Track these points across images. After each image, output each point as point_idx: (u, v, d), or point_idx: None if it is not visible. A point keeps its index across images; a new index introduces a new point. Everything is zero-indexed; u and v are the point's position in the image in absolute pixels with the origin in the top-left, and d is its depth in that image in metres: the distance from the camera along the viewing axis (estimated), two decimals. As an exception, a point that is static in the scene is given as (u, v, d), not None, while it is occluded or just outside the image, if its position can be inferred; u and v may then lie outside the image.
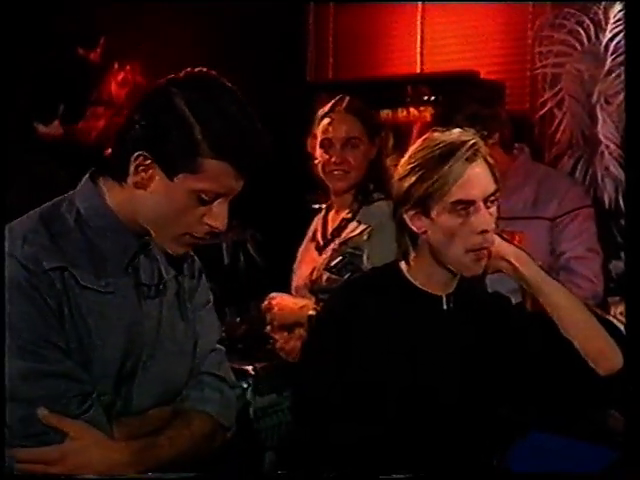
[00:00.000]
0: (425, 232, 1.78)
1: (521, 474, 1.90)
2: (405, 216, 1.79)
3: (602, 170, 3.69)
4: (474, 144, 1.74)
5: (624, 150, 3.42)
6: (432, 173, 1.73)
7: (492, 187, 1.75)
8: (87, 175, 1.53)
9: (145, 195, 1.45)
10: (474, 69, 4.10)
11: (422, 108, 4.17)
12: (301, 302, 2.62)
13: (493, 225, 1.76)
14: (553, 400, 1.90)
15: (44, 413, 1.40)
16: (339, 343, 1.78)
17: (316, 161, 2.68)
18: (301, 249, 2.77)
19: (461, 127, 1.81)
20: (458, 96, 3.08)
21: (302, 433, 1.83)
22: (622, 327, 1.82)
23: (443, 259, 1.78)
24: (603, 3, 3.67)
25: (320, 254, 2.64)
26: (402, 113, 4.24)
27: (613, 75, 3.61)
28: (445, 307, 1.82)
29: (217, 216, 1.47)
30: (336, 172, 2.62)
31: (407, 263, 1.84)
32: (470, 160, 1.73)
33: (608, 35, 3.65)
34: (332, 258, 2.58)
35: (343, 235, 2.60)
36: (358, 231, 2.56)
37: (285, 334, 2.66)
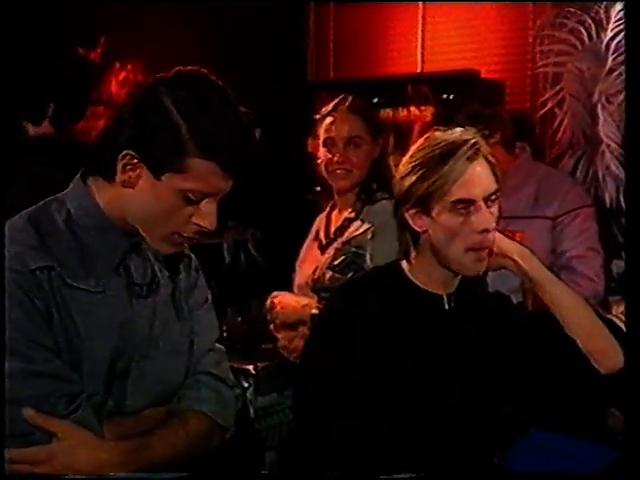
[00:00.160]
0: (426, 231, 1.78)
1: (521, 474, 1.90)
2: (406, 215, 1.79)
3: (603, 169, 3.69)
4: (475, 143, 1.74)
5: (625, 149, 3.42)
6: (433, 172, 1.73)
7: (493, 186, 1.75)
8: (78, 175, 1.53)
9: (133, 194, 1.45)
10: (475, 68, 4.10)
11: (423, 107, 4.17)
12: (303, 301, 2.62)
13: (494, 224, 1.76)
14: (554, 399, 1.90)
15: (30, 413, 1.40)
16: (341, 341, 1.78)
17: (319, 160, 2.68)
18: (304, 248, 2.78)
19: (463, 126, 1.81)
20: (460, 95, 3.08)
21: (303, 432, 1.83)
22: (623, 326, 1.82)
23: (443, 258, 1.78)
24: (604, 2, 3.67)
25: (323, 253, 2.64)
26: (403, 112, 4.24)
27: (614, 74, 3.61)
28: (446, 307, 1.82)
29: (205, 216, 1.46)
30: (339, 171, 2.62)
31: (408, 262, 1.84)
32: (471, 159, 1.73)
33: (609, 34, 3.65)
34: (335, 257, 2.58)
35: (346, 234, 2.60)
36: (361, 230, 2.56)
37: (287, 333, 2.66)
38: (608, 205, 3.62)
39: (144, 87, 1.45)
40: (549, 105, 3.86)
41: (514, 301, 1.96)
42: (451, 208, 1.73)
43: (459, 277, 1.82)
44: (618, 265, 3.31)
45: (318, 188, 2.84)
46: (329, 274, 2.57)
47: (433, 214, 1.75)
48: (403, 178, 1.78)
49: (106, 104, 2.86)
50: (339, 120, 2.63)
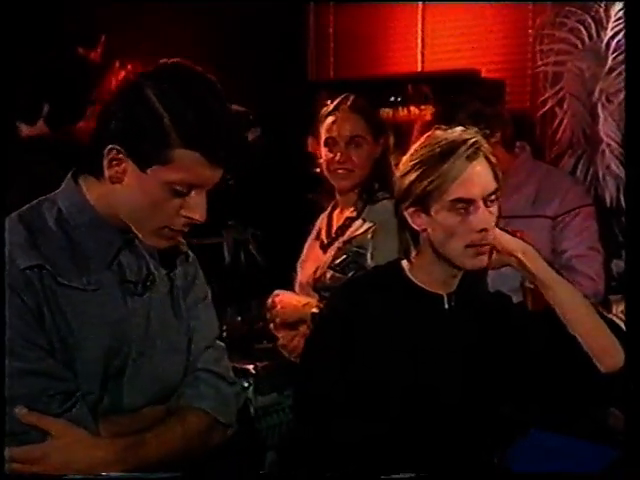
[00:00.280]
0: (425, 230, 1.78)
1: (521, 474, 1.90)
2: (405, 213, 1.79)
3: (603, 169, 3.69)
4: (475, 142, 1.74)
5: (625, 148, 3.42)
6: (432, 171, 1.73)
7: (492, 186, 1.75)
8: (69, 174, 1.53)
9: (121, 189, 1.45)
10: (475, 68, 4.10)
11: (423, 107, 4.17)
12: (304, 300, 2.62)
13: (493, 224, 1.76)
14: (554, 398, 1.89)
15: (23, 412, 1.40)
16: (341, 341, 1.78)
17: (320, 160, 2.68)
18: (306, 247, 2.78)
19: (463, 125, 1.81)
20: (460, 95, 3.08)
21: (303, 432, 1.82)
22: (623, 325, 1.82)
23: (443, 254, 1.77)
24: (604, 1, 3.67)
25: (324, 252, 2.64)
26: (403, 112, 4.24)
27: (614, 73, 3.61)
28: (446, 306, 1.82)
29: (194, 207, 1.45)
30: (340, 171, 2.62)
31: (409, 261, 1.84)
32: (470, 158, 1.73)
33: (609, 33, 3.65)
34: (336, 256, 2.58)
35: (347, 234, 2.60)
36: (362, 230, 2.56)
37: (287, 332, 2.66)
38: (608, 204, 3.62)
39: (127, 81, 1.45)
40: (549, 104, 3.86)
41: (514, 301, 1.96)
42: (450, 207, 1.73)
43: (459, 276, 1.82)
44: (618, 264, 3.31)
45: (318, 190, 2.84)
46: (330, 273, 2.57)
47: (432, 213, 1.75)
48: (403, 176, 1.78)
49: (106, 103, 2.85)
50: (341, 119, 2.63)
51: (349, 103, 2.64)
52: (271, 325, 2.72)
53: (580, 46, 3.75)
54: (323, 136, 2.66)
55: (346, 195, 2.65)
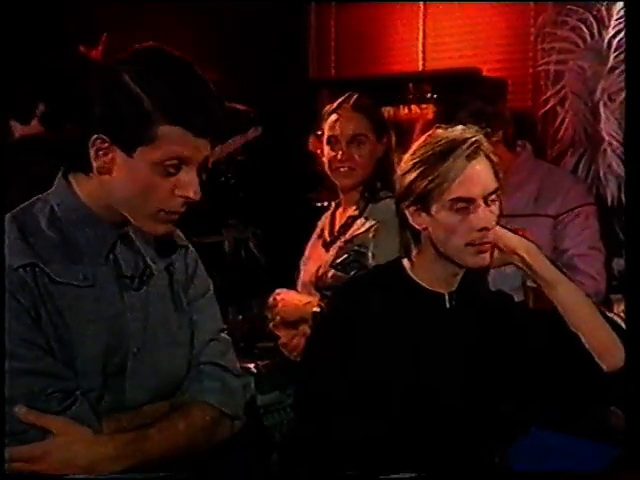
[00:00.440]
0: (426, 229, 1.78)
1: (522, 473, 1.90)
2: (406, 212, 1.79)
3: (605, 167, 3.69)
4: (475, 141, 1.74)
5: (624, 147, 3.42)
6: (432, 170, 1.73)
7: (493, 185, 1.75)
8: (60, 174, 1.53)
9: (111, 180, 1.45)
10: (476, 66, 4.10)
11: (424, 106, 4.17)
12: (306, 299, 2.61)
13: (494, 223, 1.75)
14: (556, 397, 1.89)
15: (22, 411, 1.39)
16: (343, 340, 1.77)
17: (323, 158, 2.68)
18: (309, 246, 2.78)
19: (464, 124, 1.81)
20: (461, 93, 3.08)
21: (305, 430, 1.82)
22: (624, 324, 1.81)
23: (444, 252, 1.77)
24: (605, 0, 3.67)
25: (327, 251, 2.64)
26: (404, 111, 4.24)
27: (616, 72, 3.60)
28: (448, 305, 1.82)
29: (187, 185, 1.45)
30: (342, 169, 2.62)
31: (409, 260, 1.84)
32: (471, 158, 1.73)
33: (611, 32, 3.65)
34: (338, 255, 2.58)
35: (349, 232, 2.60)
36: (364, 229, 2.56)
37: (289, 331, 2.66)
38: (610, 203, 3.62)
39: (103, 70, 1.46)
40: (551, 103, 3.86)
41: (516, 300, 1.95)
42: (450, 206, 1.73)
43: (460, 275, 1.82)
44: (619, 263, 3.31)
45: (319, 187, 2.84)
46: (332, 272, 2.57)
47: (432, 212, 1.75)
48: (404, 175, 1.78)
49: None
50: (343, 118, 2.63)
51: (352, 102, 2.64)
52: (271, 324, 2.72)
53: (582, 45, 3.74)
54: (326, 134, 2.66)
55: (348, 194, 2.65)
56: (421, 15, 4.44)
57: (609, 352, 1.78)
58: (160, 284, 1.57)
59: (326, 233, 2.70)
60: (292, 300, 2.66)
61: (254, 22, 4.25)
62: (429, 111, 4.06)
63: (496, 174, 1.76)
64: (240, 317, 3.19)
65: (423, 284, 1.82)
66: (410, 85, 4.25)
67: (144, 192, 1.44)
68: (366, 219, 2.57)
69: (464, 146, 1.73)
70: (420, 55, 4.46)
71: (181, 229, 1.65)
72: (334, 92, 3.44)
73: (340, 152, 2.61)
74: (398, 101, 4.24)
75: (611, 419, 2.14)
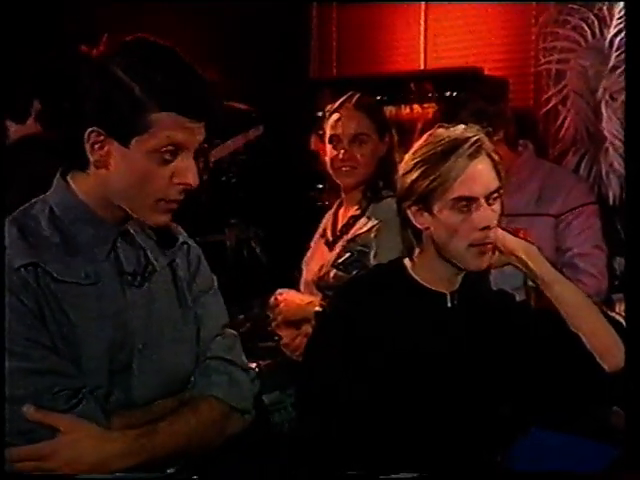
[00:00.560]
0: (427, 228, 1.77)
1: (522, 473, 1.89)
2: (408, 212, 1.79)
3: (607, 167, 3.68)
4: (477, 140, 1.74)
5: (625, 145, 3.42)
6: (434, 169, 1.72)
7: (495, 184, 1.75)
8: (58, 174, 1.53)
9: (108, 174, 1.45)
10: (478, 66, 4.09)
11: (425, 105, 4.17)
12: (308, 298, 2.61)
13: (495, 222, 1.75)
14: (557, 397, 1.89)
15: (30, 410, 1.39)
16: (344, 339, 1.77)
17: (325, 157, 2.68)
18: (312, 245, 2.78)
19: (466, 124, 1.81)
20: (463, 93, 3.08)
21: (306, 430, 1.82)
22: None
23: (446, 254, 1.77)
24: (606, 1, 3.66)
25: (329, 250, 2.64)
26: (405, 110, 4.24)
27: (618, 71, 3.60)
28: (449, 304, 1.82)
29: (185, 171, 1.45)
30: (344, 168, 2.62)
31: (411, 260, 1.83)
32: (472, 157, 1.73)
33: (612, 31, 3.64)
34: (340, 255, 2.58)
35: (351, 232, 2.59)
36: (366, 228, 2.56)
37: (291, 331, 2.66)
38: (612, 202, 3.61)
39: (92, 65, 1.46)
40: (552, 102, 3.85)
41: (517, 299, 1.95)
42: (452, 205, 1.72)
43: (462, 275, 1.82)
44: (621, 263, 3.30)
45: (320, 186, 2.84)
46: (334, 272, 2.57)
47: (434, 211, 1.75)
48: (405, 175, 1.78)
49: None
50: (345, 117, 2.62)
51: (354, 101, 2.64)
52: (273, 324, 2.72)
53: (583, 44, 3.73)
54: (328, 133, 2.66)
55: (351, 193, 2.65)
56: (422, 14, 4.44)
57: (610, 352, 1.78)
58: (163, 281, 1.57)
59: (328, 232, 2.70)
60: (294, 300, 2.66)
61: (254, 22, 4.25)
62: (431, 110, 4.05)
63: (498, 173, 1.76)
64: (241, 317, 3.18)
65: (424, 284, 1.82)
66: (411, 84, 4.25)
67: (142, 182, 1.44)
68: (368, 219, 2.57)
69: (466, 145, 1.72)
70: (421, 54, 4.45)
71: (182, 228, 1.65)
72: (335, 91, 3.44)
73: (342, 151, 2.60)
74: (399, 100, 4.24)
75: (612, 419, 2.14)
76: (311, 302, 2.57)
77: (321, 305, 2.51)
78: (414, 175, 1.75)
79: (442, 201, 1.73)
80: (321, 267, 2.62)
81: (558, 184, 2.97)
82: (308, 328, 2.55)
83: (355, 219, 2.61)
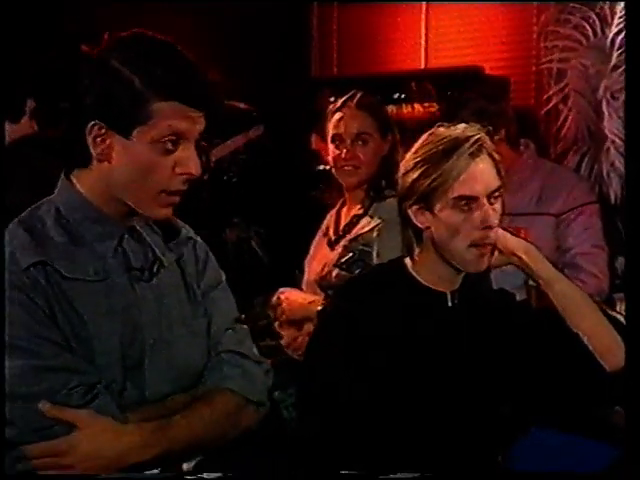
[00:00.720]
0: (428, 228, 1.77)
1: (522, 473, 1.89)
2: (409, 211, 1.78)
3: (608, 166, 3.68)
4: (478, 139, 1.74)
5: (625, 144, 3.41)
6: (435, 168, 1.72)
7: (496, 183, 1.74)
8: (62, 175, 1.54)
9: (111, 167, 1.46)
10: (479, 65, 4.09)
11: (426, 104, 4.17)
12: (310, 297, 2.61)
13: (497, 221, 1.75)
14: (557, 397, 1.89)
15: (46, 407, 1.40)
16: (346, 339, 1.77)
17: (327, 157, 2.68)
18: (313, 244, 2.78)
19: (467, 123, 1.80)
20: (464, 92, 3.08)
21: (306, 429, 1.82)
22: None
23: (446, 254, 1.77)
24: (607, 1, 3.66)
25: (332, 250, 2.64)
26: (406, 109, 4.24)
27: (619, 70, 3.60)
28: (450, 304, 1.82)
29: (187, 161, 1.46)
30: (346, 167, 2.62)
31: (412, 259, 1.83)
32: (474, 156, 1.72)
33: (614, 30, 3.64)
34: (342, 254, 2.58)
35: (354, 231, 2.59)
36: (368, 228, 2.56)
37: (293, 330, 2.66)
38: (613, 202, 3.62)
39: (91, 60, 1.47)
40: (554, 101, 3.85)
41: (518, 299, 1.95)
42: (453, 204, 1.72)
43: (463, 274, 1.82)
44: (622, 262, 3.30)
45: (321, 185, 2.83)
46: (336, 271, 2.57)
47: (435, 210, 1.74)
48: (406, 174, 1.78)
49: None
50: (347, 116, 2.62)
51: (356, 100, 2.63)
52: (276, 323, 2.72)
53: (585, 43, 3.74)
54: (330, 133, 2.66)
55: (353, 192, 2.65)
56: (423, 14, 4.44)
57: (611, 352, 1.78)
58: (172, 277, 1.58)
59: (331, 232, 2.70)
60: (297, 299, 2.66)
61: (255, 22, 4.25)
62: (432, 109, 4.05)
63: (499, 172, 1.76)
64: (242, 316, 3.18)
65: (425, 283, 1.82)
66: (412, 84, 4.25)
67: (145, 173, 1.45)
68: (371, 218, 2.57)
69: (467, 144, 1.72)
70: (422, 53, 4.46)
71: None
72: (336, 91, 3.44)
73: (345, 150, 2.60)
74: (400, 100, 4.24)
75: (613, 419, 2.14)
76: (314, 301, 2.57)
77: (323, 304, 2.51)
78: (415, 174, 1.75)
79: (443, 200, 1.73)
80: (323, 266, 2.62)
81: (559, 183, 2.97)
82: (310, 327, 2.55)
83: (358, 218, 2.61)
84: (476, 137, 1.74)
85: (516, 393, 1.85)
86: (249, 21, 4.26)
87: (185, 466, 1.53)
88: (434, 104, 4.06)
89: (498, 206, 1.76)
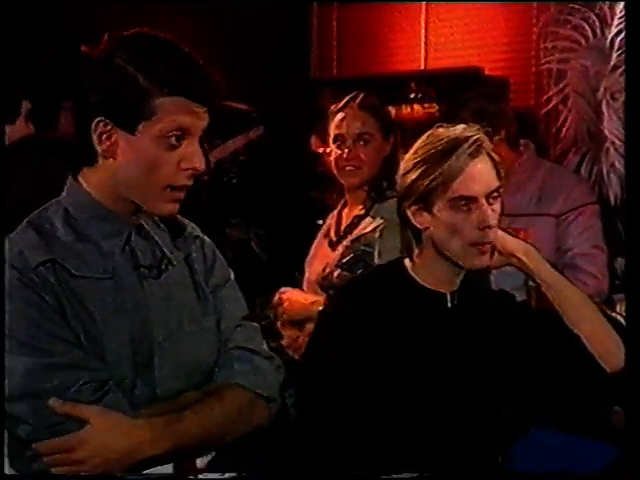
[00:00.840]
0: (427, 228, 1.77)
1: (522, 473, 1.89)
2: (407, 212, 1.78)
3: (608, 166, 3.68)
4: (477, 140, 1.74)
5: (625, 145, 3.42)
6: (434, 168, 1.72)
7: (495, 183, 1.74)
8: (70, 176, 1.55)
9: (116, 164, 1.48)
10: (478, 65, 4.09)
11: (426, 105, 4.17)
12: (312, 297, 2.61)
13: (496, 221, 1.75)
14: (557, 397, 1.89)
15: (57, 403, 1.41)
16: (348, 339, 1.77)
17: (329, 157, 2.68)
18: (314, 245, 2.77)
19: (467, 123, 1.80)
20: (464, 92, 3.08)
21: (306, 430, 1.82)
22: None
23: (447, 253, 1.77)
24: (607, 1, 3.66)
25: (333, 250, 2.64)
26: (406, 110, 4.24)
27: (618, 71, 3.60)
28: (449, 305, 1.82)
29: (192, 156, 1.48)
30: (348, 168, 2.61)
31: (411, 260, 1.83)
32: (473, 156, 1.72)
33: (614, 30, 3.64)
34: (344, 255, 2.58)
35: (355, 232, 2.59)
36: (370, 228, 2.55)
37: (294, 330, 2.65)
38: (612, 202, 3.62)
39: (95, 59, 1.49)
40: (553, 102, 3.85)
41: (518, 299, 1.95)
42: (452, 205, 1.72)
43: (462, 275, 1.82)
44: (622, 263, 3.30)
45: (322, 186, 2.83)
46: (337, 272, 2.57)
47: (434, 211, 1.74)
48: (405, 174, 1.78)
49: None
50: (350, 117, 2.62)
51: (358, 101, 2.64)
52: (278, 323, 2.71)
53: (584, 43, 3.74)
54: (332, 133, 2.66)
55: (355, 193, 2.65)
56: (423, 14, 4.44)
57: (610, 352, 1.78)
58: (180, 275, 1.59)
59: (332, 232, 2.70)
60: (298, 299, 2.66)
61: (254, 22, 4.25)
62: (431, 110, 4.05)
63: (498, 172, 1.76)
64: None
65: (424, 284, 1.82)
66: (412, 84, 4.25)
67: (150, 169, 1.46)
68: (373, 218, 2.57)
69: (466, 145, 1.72)
70: (422, 54, 4.46)
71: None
72: (336, 92, 3.44)
73: (346, 150, 2.60)
74: (400, 100, 4.24)
75: (612, 419, 2.14)
76: (315, 301, 2.57)
77: (325, 305, 2.50)
78: (414, 175, 1.75)
79: (442, 201, 1.73)
80: (325, 267, 2.62)
81: (559, 184, 2.96)
82: (311, 328, 2.54)
83: (359, 219, 2.61)
84: (475, 137, 1.74)
85: (516, 394, 1.85)
86: (249, 21, 4.26)
87: (199, 462, 1.55)
88: (434, 105, 4.07)
89: (497, 206, 1.76)
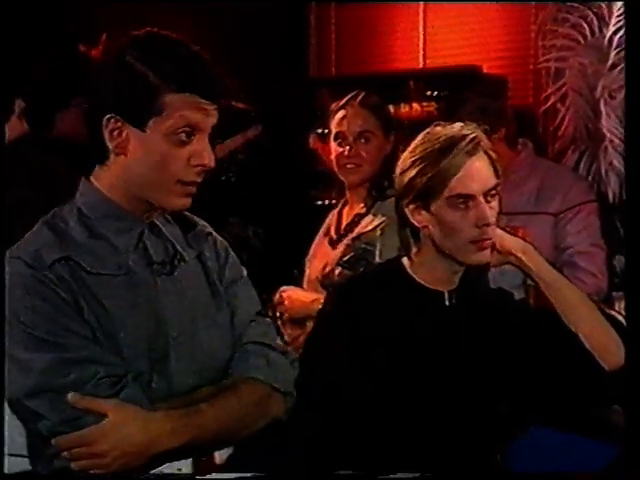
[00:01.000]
0: (426, 226, 1.77)
1: (522, 473, 1.90)
2: (406, 210, 1.78)
3: (606, 165, 3.69)
4: (474, 138, 1.74)
5: (625, 144, 3.42)
6: (432, 167, 1.72)
7: (492, 181, 1.75)
8: (82, 177, 1.57)
9: (127, 161, 1.50)
10: (477, 64, 4.10)
11: (424, 103, 4.17)
12: (312, 296, 2.61)
13: (494, 219, 1.75)
14: (556, 396, 1.89)
15: (75, 398, 1.43)
16: (350, 337, 1.77)
17: (330, 156, 2.69)
18: (315, 243, 2.77)
19: (465, 122, 1.80)
20: (463, 91, 3.08)
21: (306, 428, 1.82)
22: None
23: (445, 250, 1.77)
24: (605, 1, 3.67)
25: (333, 248, 2.64)
26: (404, 108, 4.24)
27: (617, 69, 3.60)
28: (447, 303, 1.82)
29: (201, 153, 1.50)
30: (349, 166, 2.62)
31: (409, 258, 1.83)
32: (470, 154, 1.73)
33: (611, 29, 3.65)
34: (345, 253, 2.58)
35: (356, 230, 2.59)
36: (371, 227, 2.56)
37: (295, 329, 2.65)
38: (611, 200, 3.62)
39: (106, 58, 1.53)
40: (552, 100, 3.85)
41: (516, 298, 1.95)
42: (450, 203, 1.72)
43: (460, 273, 1.82)
44: (621, 261, 3.30)
45: (320, 185, 2.84)
46: (338, 270, 2.57)
47: (432, 209, 1.75)
48: (403, 173, 1.78)
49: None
50: (350, 115, 2.63)
51: (359, 99, 2.64)
52: (278, 322, 2.71)
53: (582, 42, 3.74)
54: (333, 131, 2.66)
55: (356, 191, 2.65)
56: (421, 13, 4.44)
57: (609, 351, 1.78)
58: (193, 272, 1.61)
59: (332, 231, 2.70)
60: (299, 297, 2.66)
61: (254, 22, 4.25)
62: (430, 109, 4.05)
63: (495, 170, 1.76)
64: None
65: (423, 282, 1.82)
66: (411, 83, 4.25)
67: (160, 165, 1.49)
68: (374, 217, 2.57)
69: (463, 143, 1.72)
70: (420, 53, 4.46)
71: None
72: (334, 90, 3.45)
73: (347, 148, 2.61)
74: (399, 99, 4.24)
75: (611, 418, 2.14)
76: (316, 300, 2.57)
77: (323, 303, 2.50)
78: (412, 173, 1.75)
79: (440, 199, 1.73)
80: (325, 265, 2.62)
81: (557, 182, 2.97)
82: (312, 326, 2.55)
83: (360, 217, 2.61)
84: (472, 135, 1.74)
85: (514, 392, 1.85)
86: (248, 21, 4.26)
87: (218, 457, 1.55)
88: (432, 103, 4.07)
89: (495, 204, 1.76)
